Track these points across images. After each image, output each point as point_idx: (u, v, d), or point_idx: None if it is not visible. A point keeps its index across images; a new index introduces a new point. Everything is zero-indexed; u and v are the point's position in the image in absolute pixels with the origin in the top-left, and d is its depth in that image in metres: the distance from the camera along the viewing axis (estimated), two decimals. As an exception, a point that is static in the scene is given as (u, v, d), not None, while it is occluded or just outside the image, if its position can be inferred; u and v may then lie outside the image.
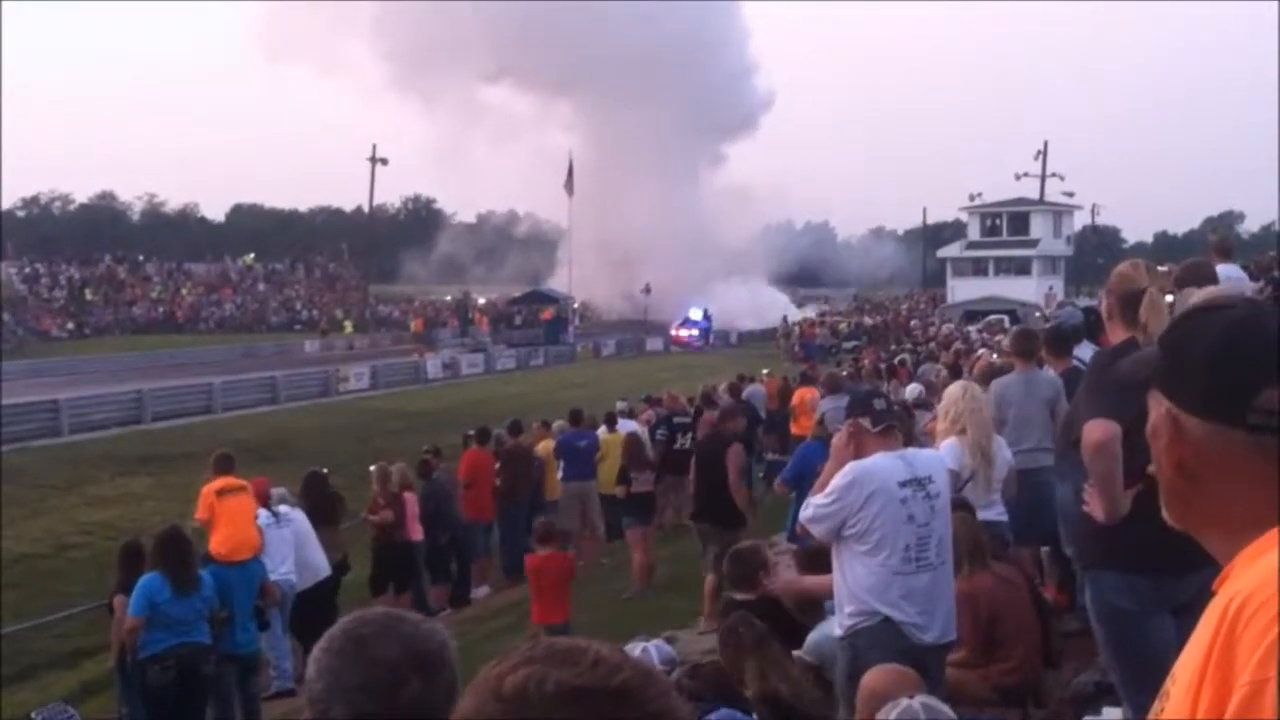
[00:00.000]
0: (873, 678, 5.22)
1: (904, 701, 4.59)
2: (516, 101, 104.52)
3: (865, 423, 6.46)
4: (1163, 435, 1.79)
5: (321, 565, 14.30)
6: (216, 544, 12.22)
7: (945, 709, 4.64)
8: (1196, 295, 4.93)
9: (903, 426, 6.96)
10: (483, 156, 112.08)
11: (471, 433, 20.25)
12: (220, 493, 12.66)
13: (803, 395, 22.36)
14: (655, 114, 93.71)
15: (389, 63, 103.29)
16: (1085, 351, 10.84)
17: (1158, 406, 1.80)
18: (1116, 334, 5.68)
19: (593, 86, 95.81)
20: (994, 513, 8.86)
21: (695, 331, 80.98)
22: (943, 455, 7.85)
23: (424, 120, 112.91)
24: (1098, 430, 5.29)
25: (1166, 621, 5.25)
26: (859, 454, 6.40)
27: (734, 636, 6.34)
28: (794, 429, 21.73)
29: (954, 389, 9.42)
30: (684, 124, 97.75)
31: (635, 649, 6.87)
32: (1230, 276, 9.07)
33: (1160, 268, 6.02)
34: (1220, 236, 15.93)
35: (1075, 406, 5.79)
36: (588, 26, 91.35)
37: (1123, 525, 5.25)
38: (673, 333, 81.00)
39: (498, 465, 19.25)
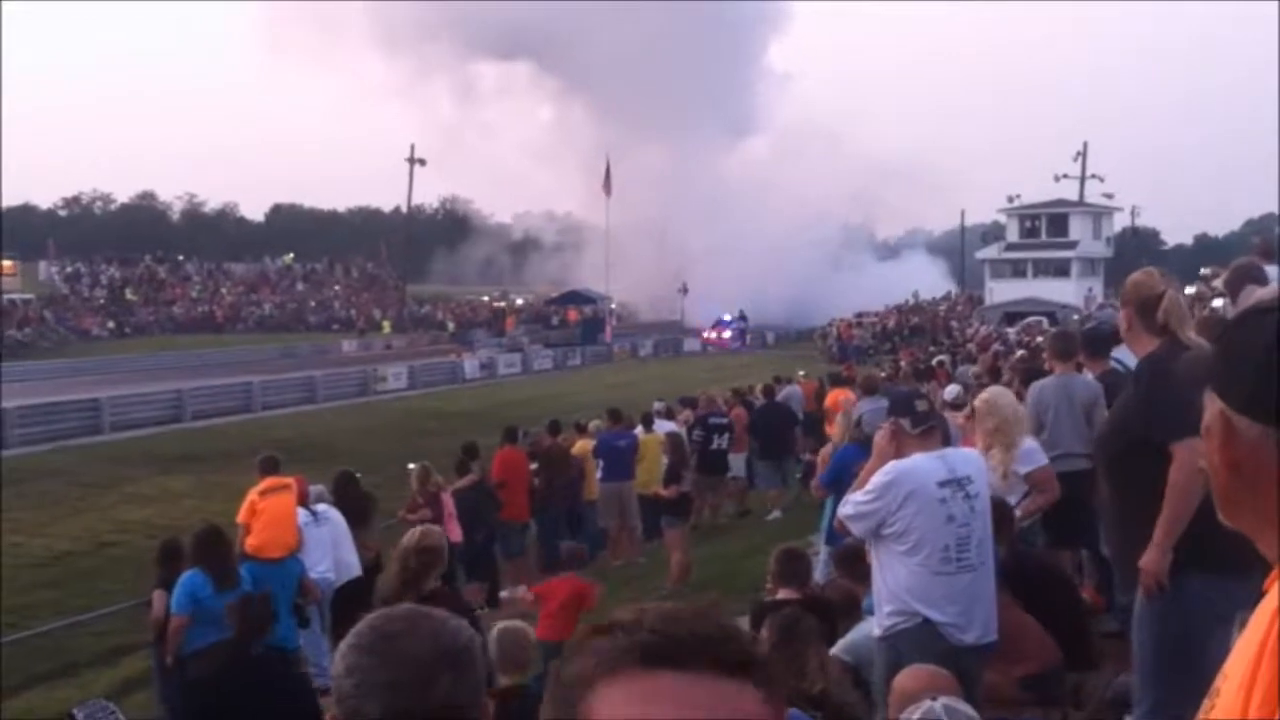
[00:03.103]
0: (905, 678, 5.20)
1: (926, 703, 4.56)
2: (551, 100, 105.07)
3: (905, 424, 6.43)
4: (1216, 435, 1.77)
5: (354, 564, 14.32)
6: (252, 540, 12.30)
7: (968, 709, 4.61)
8: (1257, 294, 4.88)
9: (942, 427, 6.91)
10: (519, 157, 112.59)
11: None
12: (263, 492, 12.76)
13: (836, 397, 22.25)
14: (687, 110, 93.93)
15: (420, 59, 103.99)
16: (1124, 354, 10.75)
17: (1212, 405, 1.78)
18: (1140, 343, 5.59)
19: (626, 84, 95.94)
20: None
21: (728, 333, 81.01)
22: (979, 454, 7.77)
23: (458, 119, 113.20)
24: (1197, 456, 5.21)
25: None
26: (899, 454, 6.38)
27: (795, 629, 6.29)
28: (828, 430, 21.61)
29: (1003, 394, 9.32)
30: (717, 121, 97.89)
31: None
32: (1276, 278, 8.98)
33: (1204, 270, 5.98)
34: (1263, 239, 15.82)
35: (1143, 411, 5.65)
36: (620, 23, 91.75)
37: (1193, 527, 5.20)
38: (705, 335, 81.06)
39: (534, 465, 19.24)
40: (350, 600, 13.80)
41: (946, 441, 6.78)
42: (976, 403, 9.29)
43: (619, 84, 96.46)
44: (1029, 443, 8.72)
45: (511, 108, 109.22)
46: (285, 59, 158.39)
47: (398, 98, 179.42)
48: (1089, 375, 9.92)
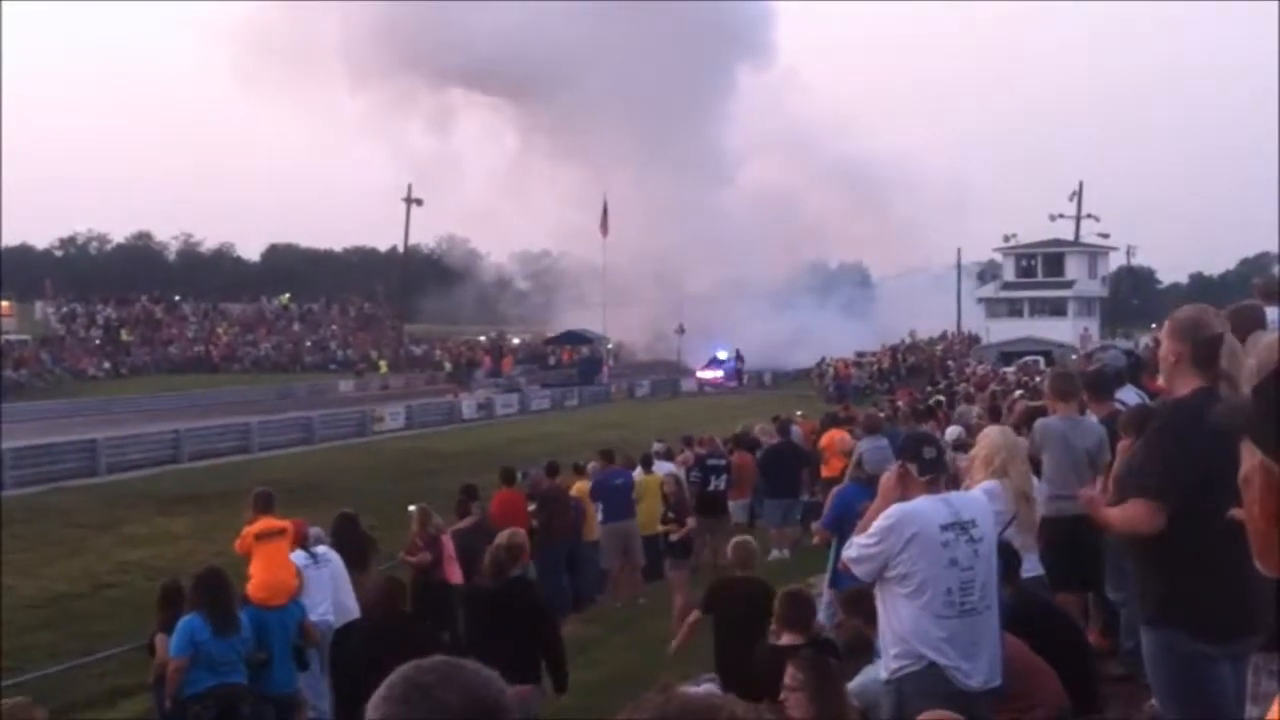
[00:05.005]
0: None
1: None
2: (547, 139, 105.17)
3: (912, 469, 6.42)
4: (1255, 485, 1.76)
5: (352, 607, 14.24)
6: (254, 588, 12.25)
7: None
8: (1265, 339, 4.84)
9: (948, 474, 6.86)
10: (515, 196, 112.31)
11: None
12: (259, 536, 12.71)
13: (831, 437, 22.22)
14: (683, 150, 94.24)
15: (413, 99, 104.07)
16: (1128, 394, 10.74)
17: (1251, 457, 1.77)
18: (1185, 382, 5.50)
19: (621, 123, 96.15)
20: (1031, 563, 8.49)
21: (720, 372, 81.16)
22: (984, 497, 7.71)
23: (452, 158, 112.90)
24: (1139, 519, 5.30)
25: (1228, 668, 5.17)
26: (905, 496, 6.36)
27: (823, 669, 6.27)
28: (823, 471, 21.62)
29: (992, 432, 9.17)
30: (712, 160, 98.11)
31: (699, 689, 6.84)
32: (1277, 320, 8.95)
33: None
34: (1264, 280, 15.85)
35: (1136, 456, 5.67)
36: (611, 64, 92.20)
37: (1193, 583, 5.19)
38: (699, 374, 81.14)
39: (533, 507, 19.17)
40: (349, 643, 13.77)
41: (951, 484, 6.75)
42: (994, 434, 9.03)
43: (614, 124, 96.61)
44: (990, 482, 8.53)
45: (508, 147, 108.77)
46: (281, 98, 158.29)
47: (391, 137, 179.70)
48: (1093, 417, 9.90)
